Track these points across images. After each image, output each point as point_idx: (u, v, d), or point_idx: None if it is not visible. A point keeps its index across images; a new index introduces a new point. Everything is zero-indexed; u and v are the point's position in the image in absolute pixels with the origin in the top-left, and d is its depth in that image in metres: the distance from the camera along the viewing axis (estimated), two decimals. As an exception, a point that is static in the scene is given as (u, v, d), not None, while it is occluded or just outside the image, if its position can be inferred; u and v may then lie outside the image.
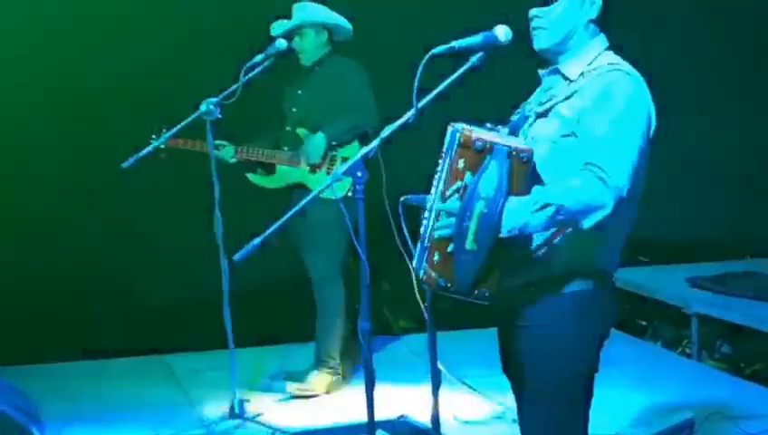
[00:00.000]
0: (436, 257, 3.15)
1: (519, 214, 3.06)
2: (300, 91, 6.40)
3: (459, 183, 3.10)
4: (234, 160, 6.23)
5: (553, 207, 3.07)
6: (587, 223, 3.12)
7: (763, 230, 8.44)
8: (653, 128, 3.33)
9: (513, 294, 3.31)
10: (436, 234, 3.14)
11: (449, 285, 3.14)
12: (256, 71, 5.65)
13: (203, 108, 5.56)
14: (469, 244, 3.05)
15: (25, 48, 7.09)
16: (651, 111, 3.32)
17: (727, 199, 8.58)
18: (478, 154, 3.07)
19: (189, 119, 5.65)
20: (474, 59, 3.35)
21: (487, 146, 3.07)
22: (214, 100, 5.57)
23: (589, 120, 3.25)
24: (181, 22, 7.33)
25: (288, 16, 6.24)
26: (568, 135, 3.30)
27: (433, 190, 3.34)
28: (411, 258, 3.37)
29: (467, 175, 3.08)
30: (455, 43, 3.35)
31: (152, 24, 7.29)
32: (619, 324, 6.88)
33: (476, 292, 3.12)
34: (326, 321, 6.35)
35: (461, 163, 3.11)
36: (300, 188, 6.26)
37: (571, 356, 3.36)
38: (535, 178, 3.19)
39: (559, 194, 3.10)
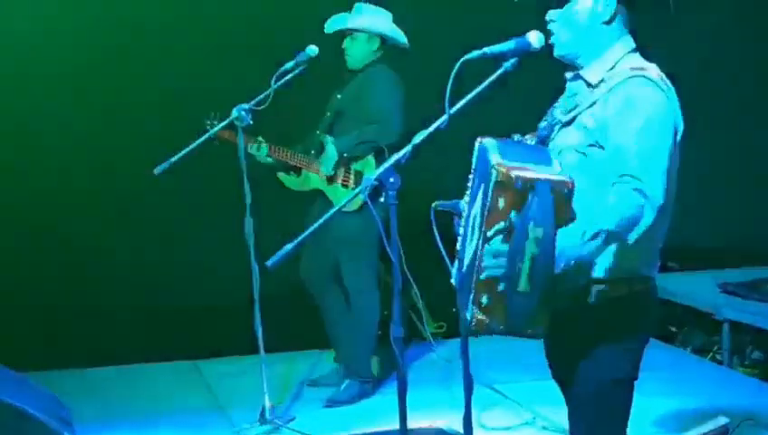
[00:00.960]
0: (484, 300, 3.08)
1: (571, 249, 3.06)
2: (339, 96, 6.36)
3: (502, 223, 3.04)
4: (269, 160, 6.20)
5: (603, 234, 3.08)
6: (632, 237, 3.14)
7: (795, 236, 8.39)
8: (680, 132, 3.32)
9: (557, 300, 3.32)
10: (485, 275, 3.07)
11: (502, 327, 3.10)
12: (287, 77, 5.65)
13: (234, 114, 5.57)
14: (522, 286, 3.01)
15: (54, 59, 7.11)
16: (677, 116, 3.30)
17: (759, 205, 8.52)
18: (520, 193, 3.01)
19: (221, 125, 5.67)
20: (506, 65, 3.35)
21: (528, 185, 3.00)
22: (245, 106, 5.57)
23: (615, 131, 3.23)
24: (213, 26, 7.33)
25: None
26: (593, 145, 3.29)
27: (464, 203, 3.35)
28: (443, 263, 3.39)
29: (512, 214, 3.02)
30: (487, 49, 3.35)
31: (185, 28, 7.29)
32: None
33: (530, 331, 3.10)
34: (360, 331, 6.34)
35: (501, 202, 3.03)
36: (322, 195, 6.26)
37: (611, 361, 3.38)
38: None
39: (603, 218, 3.09)
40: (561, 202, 3.04)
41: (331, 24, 6.19)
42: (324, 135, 6.21)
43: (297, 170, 6.34)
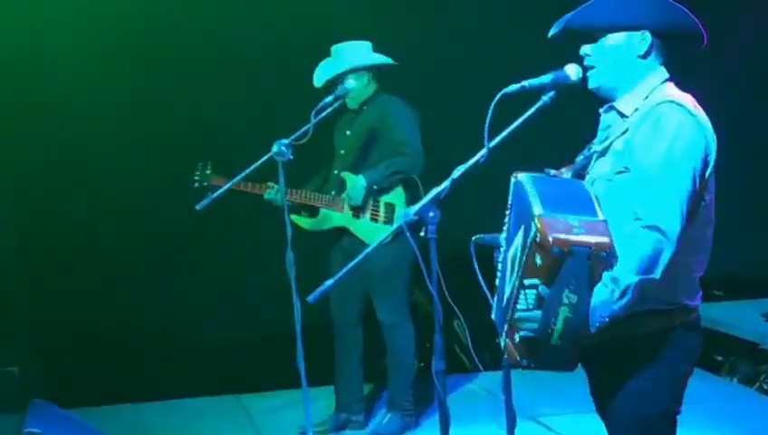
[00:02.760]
0: (517, 339, 3.18)
1: (604, 309, 3.13)
2: (348, 132, 6.34)
3: (537, 280, 3.10)
4: (285, 203, 6.17)
5: (632, 288, 3.12)
6: (657, 273, 3.15)
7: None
8: (712, 160, 3.30)
9: (597, 334, 3.31)
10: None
11: (531, 365, 3.20)
12: (327, 111, 5.65)
13: (275, 149, 5.55)
14: (554, 341, 3.09)
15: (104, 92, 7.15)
16: (709, 144, 3.28)
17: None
18: (557, 258, 3.03)
19: (261, 160, 5.67)
20: (545, 98, 3.36)
21: (566, 250, 3.03)
22: (285, 141, 5.55)
23: (640, 154, 3.25)
24: (250, 63, 7.37)
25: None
26: (621, 171, 3.30)
27: (502, 239, 3.36)
28: (484, 297, 3.40)
29: (548, 277, 3.07)
30: (525, 83, 3.37)
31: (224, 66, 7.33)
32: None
33: (558, 367, 3.20)
34: (399, 363, 6.34)
35: (538, 260, 3.08)
36: (346, 232, 6.22)
37: (653, 395, 3.36)
38: None
39: (628, 270, 3.12)
40: (598, 266, 3.08)
41: (319, 78, 6.14)
42: (347, 173, 6.19)
43: (310, 210, 6.34)
